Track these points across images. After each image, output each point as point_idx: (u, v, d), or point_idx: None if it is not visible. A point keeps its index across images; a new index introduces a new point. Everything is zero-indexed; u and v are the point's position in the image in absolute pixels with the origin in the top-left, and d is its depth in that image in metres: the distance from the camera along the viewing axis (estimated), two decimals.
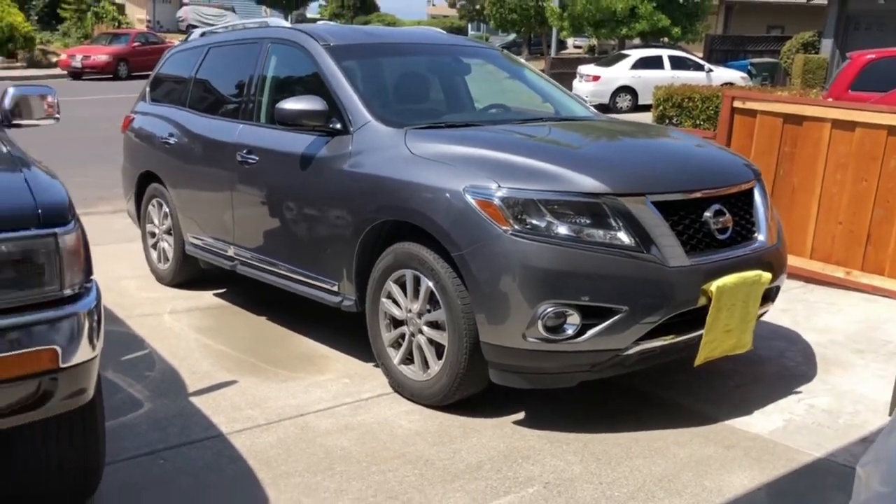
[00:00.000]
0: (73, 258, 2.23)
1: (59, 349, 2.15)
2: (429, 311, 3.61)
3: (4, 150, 2.65)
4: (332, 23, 39.23)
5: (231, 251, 4.87)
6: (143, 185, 5.84)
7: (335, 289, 4.11)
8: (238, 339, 4.58)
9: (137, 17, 40.05)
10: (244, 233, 4.74)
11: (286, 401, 3.74)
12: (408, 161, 3.71)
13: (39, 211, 2.18)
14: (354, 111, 4.05)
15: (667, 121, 14.29)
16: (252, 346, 4.48)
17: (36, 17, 31.04)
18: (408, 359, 3.77)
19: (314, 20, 54.31)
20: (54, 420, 2.42)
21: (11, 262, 2.11)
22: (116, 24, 32.15)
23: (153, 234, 5.81)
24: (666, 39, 27.19)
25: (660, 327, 3.33)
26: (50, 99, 3.39)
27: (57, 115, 3.39)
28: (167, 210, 5.55)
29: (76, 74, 25.02)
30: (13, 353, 2.08)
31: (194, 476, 3.03)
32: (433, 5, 78.83)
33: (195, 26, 40.46)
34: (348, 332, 4.54)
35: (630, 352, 3.33)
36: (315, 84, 4.33)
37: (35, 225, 2.16)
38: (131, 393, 3.77)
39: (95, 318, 2.27)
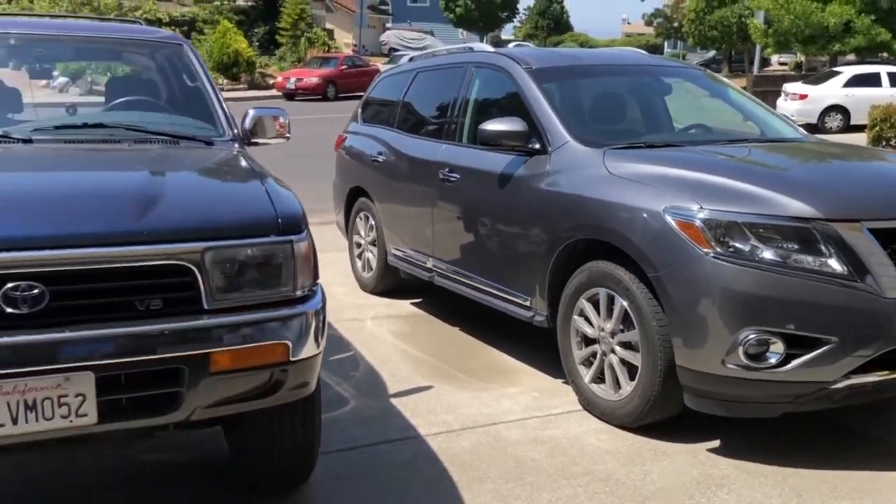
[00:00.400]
0: (305, 263, 2.49)
1: (290, 344, 2.41)
2: (622, 331, 3.62)
3: (247, 165, 3.00)
4: (527, 44, 39.81)
5: (430, 263, 5.12)
6: (352, 200, 6.27)
7: (527, 304, 4.22)
8: (433, 347, 4.81)
9: (344, 42, 42.73)
10: (442, 246, 4.98)
11: (479, 409, 3.89)
12: (606, 180, 3.76)
13: (279, 220, 2.45)
14: (553, 131, 4.15)
15: (884, 143, 13.21)
16: (446, 354, 4.69)
17: (257, 44, 34.00)
18: (599, 378, 3.79)
19: (508, 41, 55.29)
20: (281, 409, 2.69)
21: (255, 264, 2.39)
22: (326, 48, 34.52)
23: (359, 245, 6.22)
24: (885, 55, 25.09)
25: (874, 361, 3.13)
26: (282, 120, 3.75)
27: (287, 135, 3.75)
28: (373, 223, 5.93)
29: (290, 95, 27.12)
30: (253, 345, 2.36)
31: (394, 473, 3.24)
32: (628, 23, 77.72)
33: (397, 49, 42.59)
34: (538, 347, 4.63)
35: (838, 385, 3.15)
36: (516, 106, 4.48)
37: (275, 232, 2.43)
38: (339, 391, 4.07)
39: (321, 318, 2.52)
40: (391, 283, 5.91)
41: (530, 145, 4.18)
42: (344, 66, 28.92)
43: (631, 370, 3.58)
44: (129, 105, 3.48)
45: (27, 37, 3.71)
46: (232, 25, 30.64)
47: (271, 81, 30.36)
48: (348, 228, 6.41)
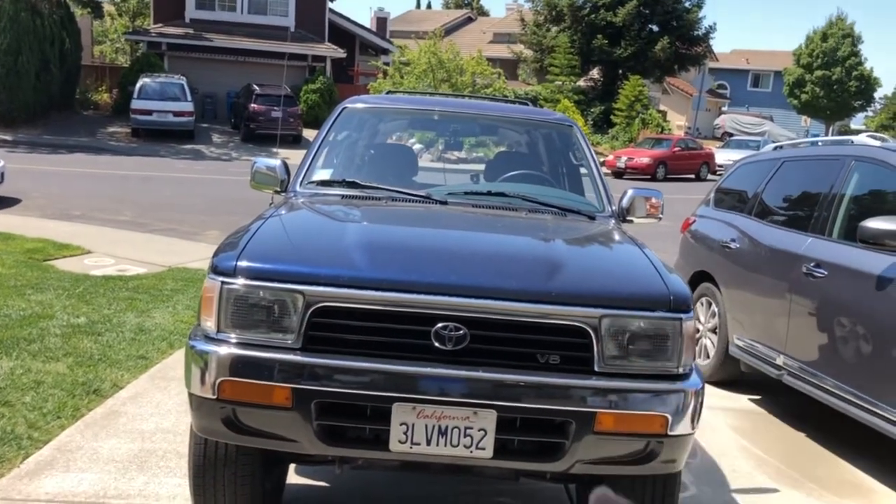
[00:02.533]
0: (690, 342, 2.57)
1: (669, 417, 2.49)
2: None
3: (632, 241, 3.17)
4: (882, 136, 36.32)
5: (780, 360, 4.89)
6: (695, 284, 6.21)
7: None
8: (776, 449, 4.56)
9: (678, 124, 42.47)
10: (798, 344, 4.73)
11: None
12: None
13: (671, 298, 2.57)
14: None
15: None
16: (791, 458, 4.42)
17: (592, 122, 35.13)
18: None
19: (858, 132, 50.88)
20: (645, 481, 2.78)
21: (645, 336, 2.52)
22: (660, 129, 34.60)
23: (697, 331, 6.13)
24: None
25: None
26: (654, 200, 3.89)
27: (660, 216, 3.89)
28: (715, 310, 5.81)
29: (619, 174, 27.52)
30: (636, 412, 2.48)
31: None
32: None
33: (732, 134, 41.32)
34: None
35: None
36: None
37: (666, 309, 2.55)
38: None
39: (700, 399, 2.57)
40: (729, 373, 5.72)
41: None
42: (677, 149, 28.70)
43: None
44: (525, 178, 3.88)
45: (446, 114, 4.31)
46: (571, 104, 32.05)
47: (602, 160, 31.12)
48: None
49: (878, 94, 51.35)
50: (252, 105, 26.23)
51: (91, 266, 8.01)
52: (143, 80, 25.61)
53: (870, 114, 57.19)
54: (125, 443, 3.86)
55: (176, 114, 25.47)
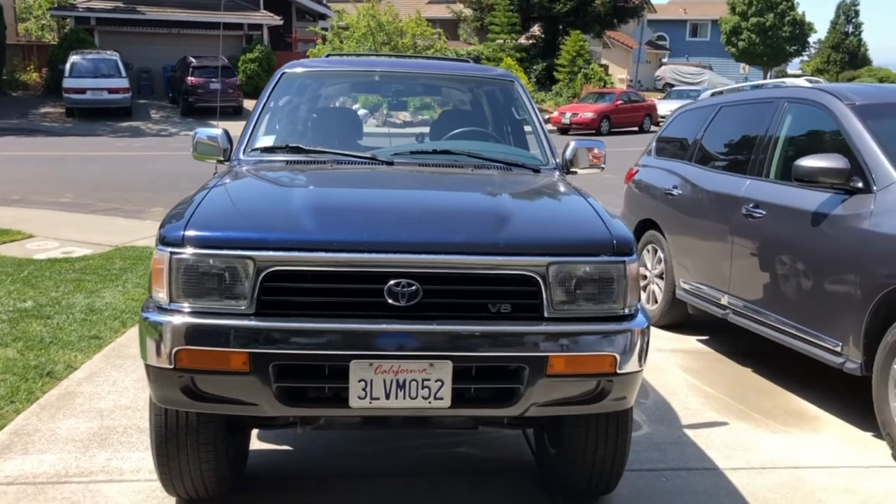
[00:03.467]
0: (634, 284, 2.65)
1: (617, 356, 2.58)
2: None
3: (575, 191, 3.24)
4: (817, 79, 37.19)
5: (725, 300, 5.06)
6: (640, 232, 6.35)
7: (838, 349, 4.03)
8: (725, 385, 4.74)
9: (619, 77, 42.79)
10: (741, 283, 4.89)
11: (779, 451, 3.79)
12: None
13: (614, 242, 2.65)
14: (880, 170, 3.96)
15: None
16: (739, 393, 4.60)
17: (535, 80, 35.17)
18: None
19: (795, 76, 51.88)
20: (598, 420, 2.88)
21: (591, 281, 2.60)
22: (602, 83, 34.80)
23: (644, 278, 6.27)
24: None
25: None
26: (596, 151, 3.97)
27: (602, 166, 3.96)
28: (661, 256, 5.96)
29: (564, 130, 27.69)
30: (585, 353, 2.56)
31: (694, 499, 3.28)
32: None
33: (673, 85, 41.80)
34: (840, 393, 4.41)
35: None
36: (834, 142, 4.33)
37: (610, 253, 2.63)
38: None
39: (646, 338, 2.66)
40: (677, 316, 5.90)
41: (851, 183, 4.01)
42: (619, 102, 28.96)
43: None
44: (469, 134, 3.90)
45: (387, 74, 4.31)
46: (514, 62, 32.04)
47: (546, 116, 31.24)
48: None
49: (812, 39, 52.35)
50: (189, 78, 25.65)
51: (35, 250, 7.84)
52: (74, 58, 24.81)
53: (805, 59, 58.24)
54: (84, 422, 3.84)
55: (111, 91, 24.78)
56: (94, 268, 6.99)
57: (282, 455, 3.62)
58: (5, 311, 5.50)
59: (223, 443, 2.89)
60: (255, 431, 3.46)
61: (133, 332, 5.18)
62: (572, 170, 3.83)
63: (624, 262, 2.62)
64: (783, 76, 50.50)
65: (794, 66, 59.26)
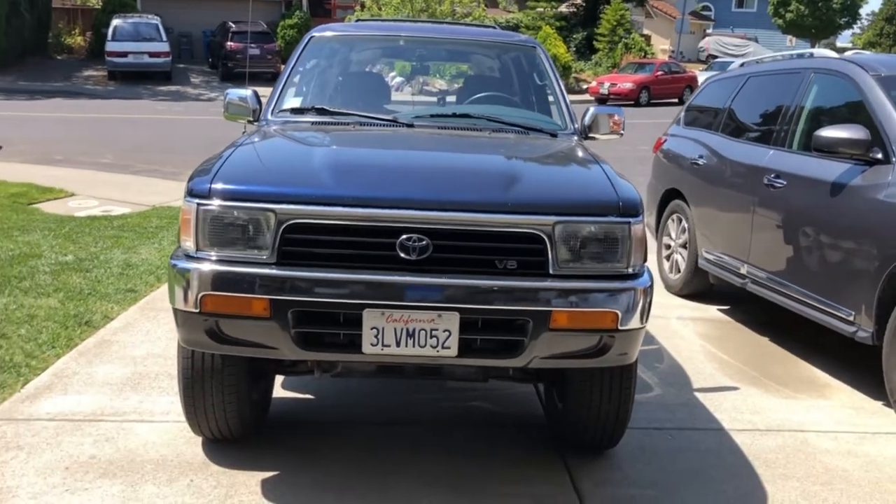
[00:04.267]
0: (639, 244, 2.75)
1: (619, 313, 2.68)
2: None
3: (589, 155, 3.33)
4: (867, 53, 36.23)
5: (744, 269, 5.11)
6: (666, 201, 6.39)
7: (851, 319, 4.08)
8: (740, 352, 4.81)
9: (661, 48, 42.07)
10: (760, 253, 4.94)
11: (786, 415, 3.87)
12: None
13: (620, 203, 2.74)
14: None
15: None
16: (753, 360, 4.67)
17: (574, 49, 34.80)
18: None
19: (844, 49, 50.50)
20: (602, 374, 3.00)
21: (596, 240, 2.70)
22: (643, 54, 34.33)
23: (668, 247, 6.33)
24: None
25: None
26: (616, 117, 4.02)
27: (622, 132, 4.02)
28: (685, 225, 6.00)
29: (602, 100, 27.40)
30: (587, 309, 2.67)
31: (696, 455, 3.39)
32: None
33: (716, 56, 41.00)
34: (854, 363, 4.46)
35: None
36: (857, 113, 4.33)
37: (615, 214, 2.72)
38: (644, 378, 4.27)
39: (648, 297, 2.76)
40: (699, 286, 5.95)
41: (871, 154, 4.03)
42: (660, 73, 28.59)
43: None
44: (489, 99, 4.00)
45: (412, 39, 4.41)
46: (553, 31, 31.69)
47: (585, 86, 30.94)
48: (658, 230, 6.53)
49: (864, 11, 50.86)
50: (229, 43, 25.87)
51: (75, 208, 8.12)
52: (117, 22, 25.17)
53: (857, 31, 56.64)
54: (118, 368, 4.06)
55: (152, 55, 25.14)
56: (132, 226, 7.24)
57: (303, 403, 3.80)
58: (48, 263, 5.76)
59: (246, 386, 3.06)
60: (279, 380, 3.64)
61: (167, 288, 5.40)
62: (591, 135, 3.90)
63: (629, 222, 2.71)
64: (831, 49, 49.19)
65: (844, 38, 57.69)
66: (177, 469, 3.08)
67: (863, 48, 48.08)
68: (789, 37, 49.32)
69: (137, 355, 4.24)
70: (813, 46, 46.69)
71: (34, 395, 3.68)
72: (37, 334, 4.37)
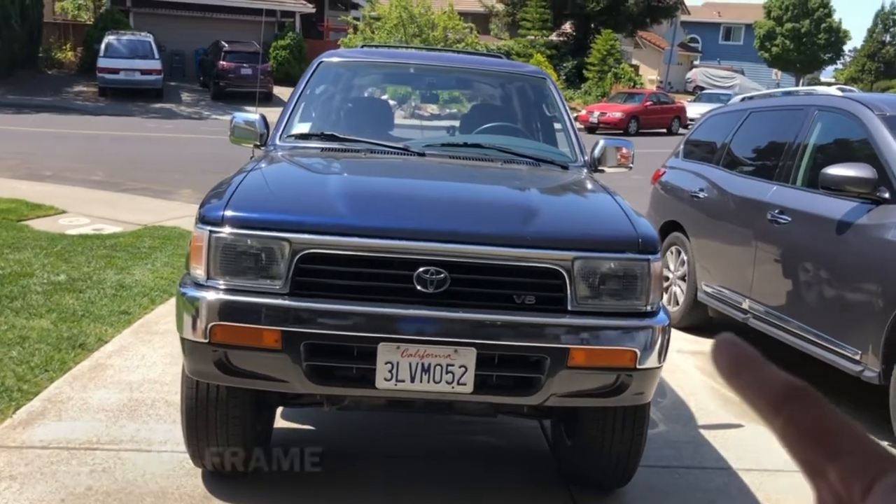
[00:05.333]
0: (657, 282, 2.72)
1: (637, 352, 2.64)
2: None
3: (603, 188, 3.30)
4: (850, 88, 36.85)
5: (746, 304, 5.09)
6: (665, 233, 6.38)
7: (857, 358, 4.06)
8: None
9: (649, 78, 42.52)
10: (763, 288, 4.92)
11: None
12: None
13: (639, 240, 2.71)
14: None
15: None
16: None
17: (564, 77, 35.09)
18: None
19: (828, 84, 51.27)
20: (615, 413, 2.95)
21: (615, 277, 2.67)
22: (632, 84, 34.65)
23: (667, 279, 6.31)
24: None
25: None
26: (625, 150, 4.01)
27: (630, 165, 4.02)
28: (685, 258, 5.99)
29: (591, 129, 27.60)
30: (606, 347, 2.64)
31: (706, 494, 3.34)
32: None
33: (703, 88, 41.46)
34: (857, 402, 4.42)
35: None
36: (862, 152, 4.35)
37: (635, 250, 2.69)
38: None
39: (666, 335, 2.72)
40: (696, 319, 5.93)
41: (878, 194, 4.04)
42: (649, 103, 28.83)
43: None
44: (500, 129, 3.98)
45: (422, 67, 4.39)
46: (544, 59, 31.96)
47: (574, 115, 31.13)
48: None
49: (847, 47, 51.74)
50: (221, 62, 25.86)
51: (66, 225, 8.01)
52: (109, 38, 25.10)
53: (839, 66, 57.53)
54: (114, 393, 3.96)
55: (144, 72, 25.05)
56: (124, 245, 7.14)
57: (304, 434, 3.72)
58: (40, 283, 5.66)
59: (251, 417, 2.99)
60: (279, 410, 3.56)
61: (161, 310, 5.31)
62: (600, 168, 3.88)
63: (648, 259, 2.68)
64: (815, 83, 49.94)
65: (827, 73, 58.55)
66: (177, 502, 2.99)
67: (845, 83, 48.85)
68: (775, 70, 50.08)
69: (133, 380, 4.15)
70: (797, 81, 47.45)
71: (27, 420, 3.58)
72: (29, 357, 4.27)
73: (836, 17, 47.48)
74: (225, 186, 2.87)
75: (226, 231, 2.59)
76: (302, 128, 3.88)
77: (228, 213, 2.61)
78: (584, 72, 35.31)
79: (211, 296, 2.57)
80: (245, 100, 23.82)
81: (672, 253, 6.26)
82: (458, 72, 4.49)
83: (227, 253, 2.58)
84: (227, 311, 2.55)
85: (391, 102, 6.46)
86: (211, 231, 2.60)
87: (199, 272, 2.62)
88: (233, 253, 2.58)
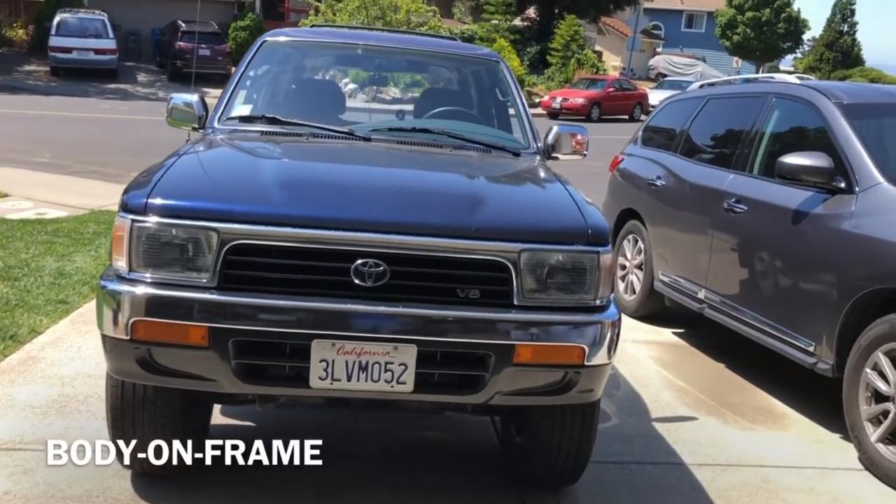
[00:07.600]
0: (607, 275, 2.60)
1: (586, 348, 2.53)
2: None
3: (555, 177, 3.17)
4: (808, 77, 37.31)
5: (702, 294, 5.03)
6: (622, 222, 6.30)
7: (810, 349, 4.01)
8: (696, 379, 4.72)
9: (612, 64, 42.59)
10: (718, 278, 4.87)
11: (746, 448, 3.78)
12: None
13: (589, 232, 2.59)
14: (863, 171, 3.92)
15: None
16: (710, 388, 4.58)
17: (528, 62, 34.93)
18: (888, 438, 3.52)
19: (787, 73, 51.88)
20: (564, 410, 2.84)
21: (563, 270, 2.55)
22: (595, 70, 34.64)
23: (623, 267, 6.24)
24: None
25: None
26: (579, 137, 3.88)
27: (585, 153, 3.89)
28: (641, 246, 5.92)
29: (554, 115, 27.53)
30: (553, 343, 2.52)
31: (657, 493, 3.26)
32: None
33: (665, 75, 41.68)
34: (810, 394, 4.40)
35: None
36: (819, 141, 4.29)
37: (584, 242, 2.57)
38: (601, 406, 4.11)
39: (616, 330, 2.61)
40: (653, 308, 5.86)
41: (834, 183, 3.98)
42: (611, 89, 28.86)
43: None
44: (450, 114, 3.82)
45: (371, 48, 4.21)
46: (507, 44, 31.76)
47: (537, 100, 31.03)
48: (614, 250, 6.45)
49: (806, 37, 52.38)
50: (178, 43, 25.26)
51: (7, 210, 7.69)
52: (62, 16, 24.36)
53: (798, 55, 58.24)
54: (44, 388, 3.76)
55: (97, 51, 24.37)
56: (67, 231, 6.86)
57: (243, 431, 3.55)
58: None
59: (182, 416, 2.82)
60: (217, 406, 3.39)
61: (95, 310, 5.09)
62: (554, 155, 3.76)
63: (598, 252, 2.57)
64: (775, 72, 50.47)
65: (787, 62, 59.26)
66: None
67: (804, 72, 49.49)
68: (735, 58, 50.53)
69: (66, 374, 3.94)
70: (758, 69, 47.94)
71: None
72: None
73: (795, 6, 48.03)
74: (152, 171, 2.69)
75: (149, 220, 2.41)
76: (242, 110, 3.69)
77: (152, 200, 2.44)
78: (548, 57, 35.21)
79: (133, 289, 2.40)
80: (204, 81, 23.28)
81: (629, 241, 6.18)
82: (408, 53, 4.32)
83: (150, 243, 2.41)
84: (149, 305, 2.38)
85: (352, 86, 6.29)
86: (133, 220, 2.42)
87: (120, 263, 2.44)
88: (156, 244, 2.41)
